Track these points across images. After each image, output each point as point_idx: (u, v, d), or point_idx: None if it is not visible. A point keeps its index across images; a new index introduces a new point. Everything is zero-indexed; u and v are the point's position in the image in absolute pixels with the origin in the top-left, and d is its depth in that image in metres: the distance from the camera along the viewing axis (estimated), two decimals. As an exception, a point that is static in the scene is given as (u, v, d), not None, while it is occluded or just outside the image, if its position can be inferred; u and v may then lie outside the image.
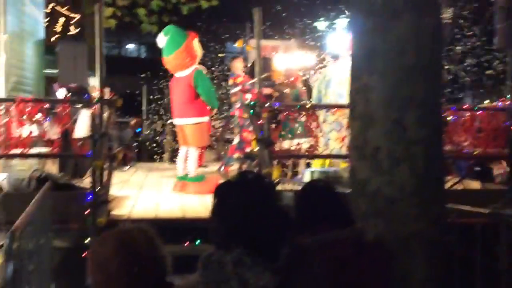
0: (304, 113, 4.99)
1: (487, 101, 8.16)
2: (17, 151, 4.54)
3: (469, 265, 3.67)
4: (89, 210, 4.02)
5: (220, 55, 14.26)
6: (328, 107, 5.32)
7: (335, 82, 5.87)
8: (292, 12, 13.11)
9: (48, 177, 4.56)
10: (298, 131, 5.36)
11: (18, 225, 2.85)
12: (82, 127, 6.11)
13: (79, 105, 5.26)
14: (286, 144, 5.52)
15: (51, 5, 11.05)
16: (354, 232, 1.77)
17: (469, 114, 5.23)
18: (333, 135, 5.44)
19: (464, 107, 6.25)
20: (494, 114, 5.27)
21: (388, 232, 1.78)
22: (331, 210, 1.89)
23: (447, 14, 10.38)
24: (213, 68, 12.91)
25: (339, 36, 6.02)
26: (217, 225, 1.65)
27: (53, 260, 3.78)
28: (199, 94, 5.61)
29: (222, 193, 1.69)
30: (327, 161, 5.97)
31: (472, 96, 12.12)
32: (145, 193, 5.71)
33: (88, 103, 4.50)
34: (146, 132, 12.71)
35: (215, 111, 6.81)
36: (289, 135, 5.48)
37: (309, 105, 5.33)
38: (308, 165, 6.37)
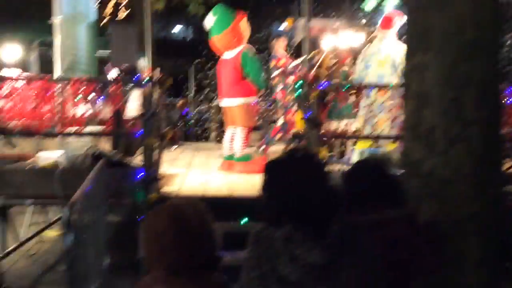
0: (353, 93, 4.92)
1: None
2: (72, 129, 4.71)
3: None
4: (141, 186, 4.16)
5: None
6: (377, 87, 5.22)
7: (375, 64, 5.74)
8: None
9: (102, 154, 4.71)
10: (346, 112, 5.29)
11: (76, 199, 2.99)
12: (133, 107, 6.26)
13: (131, 85, 5.39)
14: (334, 125, 5.46)
15: (102, -12, 11.30)
16: (407, 212, 1.74)
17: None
18: (382, 116, 5.34)
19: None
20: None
21: (442, 213, 1.75)
22: (382, 189, 1.87)
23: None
24: (259, 48, 12.85)
25: (386, 15, 5.84)
26: (267, 201, 1.66)
27: (108, 233, 3.93)
28: (246, 74, 5.61)
29: (272, 170, 1.70)
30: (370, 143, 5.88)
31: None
32: (193, 172, 5.81)
33: (139, 83, 4.59)
34: (193, 113, 12.89)
35: (262, 91, 6.80)
36: (339, 115, 5.42)
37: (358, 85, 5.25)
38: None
